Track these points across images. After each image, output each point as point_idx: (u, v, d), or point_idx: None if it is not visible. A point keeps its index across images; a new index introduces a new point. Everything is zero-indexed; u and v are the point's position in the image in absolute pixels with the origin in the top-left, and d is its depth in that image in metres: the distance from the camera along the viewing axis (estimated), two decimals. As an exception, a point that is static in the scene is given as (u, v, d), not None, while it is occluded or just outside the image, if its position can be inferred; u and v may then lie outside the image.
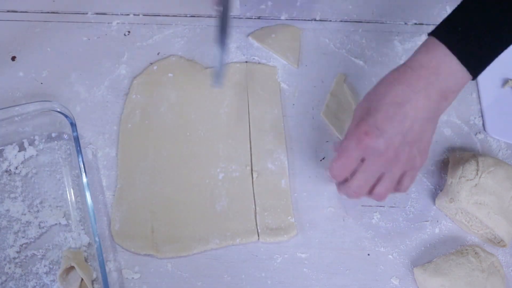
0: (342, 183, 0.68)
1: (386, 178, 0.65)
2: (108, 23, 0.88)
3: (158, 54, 0.86)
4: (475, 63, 0.62)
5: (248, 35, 0.88)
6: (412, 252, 0.74)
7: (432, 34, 0.63)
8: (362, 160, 0.64)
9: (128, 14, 0.89)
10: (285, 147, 0.79)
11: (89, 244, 0.72)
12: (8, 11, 0.88)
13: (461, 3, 0.63)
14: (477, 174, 0.72)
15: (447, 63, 0.61)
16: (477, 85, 0.85)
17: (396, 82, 0.62)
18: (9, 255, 0.71)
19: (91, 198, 0.71)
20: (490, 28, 0.61)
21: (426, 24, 0.89)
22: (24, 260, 0.71)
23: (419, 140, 0.63)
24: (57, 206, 0.74)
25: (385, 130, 0.61)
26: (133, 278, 0.71)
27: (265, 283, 0.72)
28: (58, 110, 0.75)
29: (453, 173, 0.76)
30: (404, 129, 0.61)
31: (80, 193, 0.75)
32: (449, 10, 0.90)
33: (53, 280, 0.70)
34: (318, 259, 0.73)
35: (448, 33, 0.62)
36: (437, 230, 0.76)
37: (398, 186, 0.66)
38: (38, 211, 0.74)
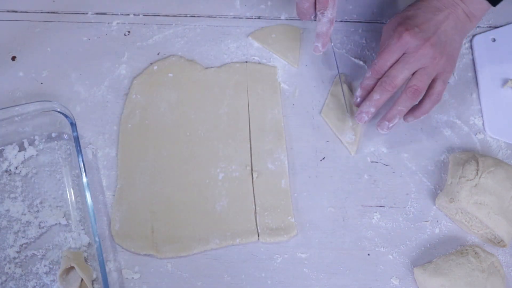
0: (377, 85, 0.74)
1: (422, 72, 0.72)
2: (108, 23, 0.88)
3: (158, 54, 0.86)
4: None
5: (248, 35, 0.88)
6: (412, 252, 0.74)
7: None
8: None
9: (128, 14, 0.89)
10: (285, 147, 0.79)
11: (89, 244, 0.72)
12: (8, 11, 0.88)
13: None
14: (477, 174, 0.72)
15: None
16: (477, 85, 0.85)
17: (429, 3, 0.72)
18: (9, 255, 0.71)
19: (91, 198, 0.71)
20: None
21: (426, 24, 0.89)
22: (24, 260, 0.71)
23: (450, 45, 0.72)
24: (57, 206, 0.74)
25: (423, 29, 0.70)
26: (133, 278, 0.71)
27: (265, 283, 0.72)
28: (58, 110, 0.75)
29: (453, 173, 0.76)
30: (439, 31, 0.71)
31: (80, 193, 0.75)
32: (449, 10, 0.90)
33: (53, 280, 0.70)
34: (318, 259, 0.73)
35: None
36: (437, 230, 0.76)
37: (431, 90, 0.74)
38: (38, 211, 0.74)
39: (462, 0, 0.72)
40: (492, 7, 0.73)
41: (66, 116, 0.75)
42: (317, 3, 0.74)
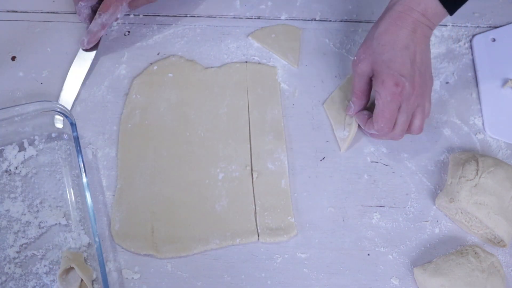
0: (384, 132, 0.74)
1: (419, 110, 0.73)
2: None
3: (158, 54, 0.86)
4: (454, 5, 0.71)
5: (248, 35, 0.88)
6: (412, 252, 0.74)
7: None
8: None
9: (128, 14, 0.89)
10: (285, 147, 0.79)
11: (89, 244, 0.72)
12: (8, 11, 0.88)
13: None
14: (477, 174, 0.72)
15: (432, 6, 0.70)
16: (477, 85, 0.85)
17: (398, 28, 0.70)
18: (9, 255, 0.71)
19: (91, 198, 0.71)
20: None
21: (426, 24, 0.89)
22: (24, 260, 0.71)
23: (426, 67, 0.73)
24: (57, 206, 0.74)
25: (407, 74, 0.70)
26: (133, 278, 0.71)
27: (265, 283, 0.72)
28: (58, 110, 0.75)
29: (453, 173, 0.76)
30: (417, 66, 0.70)
31: (80, 193, 0.75)
32: (449, 10, 0.90)
33: (53, 280, 0.70)
34: (318, 259, 0.73)
35: None
36: (437, 230, 0.76)
37: (416, 118, 0.74)
38: (38, 211, 0.74)
39: (425, 17, 0.70)
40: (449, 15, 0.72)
41: (66, 116, 0.75)
42: (101, 5, 0.80)
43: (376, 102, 0.72)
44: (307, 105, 0.83)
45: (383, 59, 0.70)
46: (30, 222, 0.73)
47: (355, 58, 0.74)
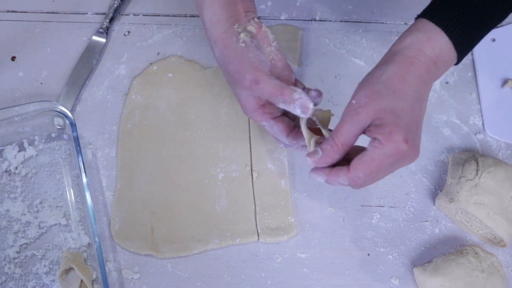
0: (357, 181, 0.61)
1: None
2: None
3: (158, 54, 0.86)
4: (466, 51, 0.63)
5: (248, 35, 0.88)
6: (412, 252, 0.74)
7: (430, 18, 0.62)
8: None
9: (128, 14, 0.89)
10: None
11: (89, 244, 0.72)
12: (8, 11, 0.88)
13: None
14: (477, 174, 0.72)
15: (446, 52, 0.61)
16: (477, 85, 0.85)
17: (411, 76, 0.60)
18: (9, 255, 0.71)
19: (91, 198, 0.71)
20: (485, 15, 0.62)
21: (426, 24, 0.89)
22: (24, 260, 0.71)
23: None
24: (57, 206, 0.74)
25: (415, 130, 0.60)
26: (133, 278, 0.71)
27: (265, 283, 0.72)
28: (58, 110, 0.75)
29: (453, 173, 0.76)
30: (421, 121, 0.62)
31: (80, 193, 0.75)
32: (449, 10, 0.90)
33: (53, 280, 0.70)
34: (318, 259, 0.73)
35: (447, 19, 0.61)
36: (437, 230, 0.76)
37: None
38: (38, 211, 0.74)
39: (436, 66, 0.61)
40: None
41: (66, 116, 0.75)
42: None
43: (369, 149, 0.59)
44: (307, 105, 0.83)
45: (393, 107, 0.58)
46: (30, 222, 0.73)
47: (354, 102, 0.60)
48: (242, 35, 0.64)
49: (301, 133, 0.65)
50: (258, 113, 0.65)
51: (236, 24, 0.65)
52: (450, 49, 0.61)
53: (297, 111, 0.62)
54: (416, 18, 0.64)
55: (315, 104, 0.63)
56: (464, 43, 0.62)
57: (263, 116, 0.65)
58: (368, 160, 0.59)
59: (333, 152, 0.60)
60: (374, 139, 0.59)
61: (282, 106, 0.63)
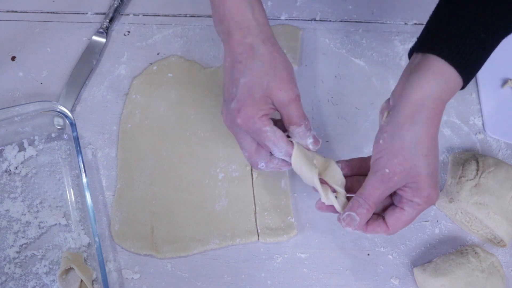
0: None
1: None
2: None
3: (158, 54, 0.86)
4: (468, 81, 0.61)
5: (248, 35, 0.88)
6: (412, 252, 0.74)
7: (444, 57, 0.58)
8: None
9: (128, 14, 0.89)
10: (285, 147, 0.79)
11: (89, 244, 0.72)
12: (8, 11, 0.88)
13: (446, 17, 0.60)
14: (477, 174, 0.72)
15: (457, 90, 0.60)
16: (477, 85, 0.85)
17: (435, 131, 0.59)
18: (9, 255, 0.71)
19: (91, 198, 0.71)
20: (493, 46, 0.60)
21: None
22: (24, 260, 0.71)
23: None
24: (57, 206, 0.74)
25: (438, 175, 0.62)
26: (133, 278, 0.71)
27: (265, 283, 0.72)
28: (58, 110, 0.75)
29: (453, 173, 0.76)
30: None
31: (80, 193, 0.75)
32: (449, 10, 0.90)
33: (53, 280, 0.70)
34: (318, 259, 0.73)
35: (461, 58, 0.58)
36: (437, 230, 0.76)
37: None
38: (38, 211, 0.74)
39: (445, 105, 0.60)
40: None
41: (66, 116, 0.75)
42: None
43: (407, 210, 0.61)
44: (307, 105, 0.83)
45: (428, 172, 0.59)
46: (30, 222, 0.73)
47: (388, 171, 0.59)
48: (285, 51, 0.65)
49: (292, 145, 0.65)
50: (266, 118, 0.64)
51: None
52: (460, 84, 0.59)
53: (309, 141, 0.65)
54: (421, 47, 0.60)
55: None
56: (471, 76, 0.60)
57: (269, 121, 0.64)
58: (407, 220, 0.62)
59: (368, 214, 0.62)
60: (412, 202, 0.61)
61: (298, 130, 0.65)
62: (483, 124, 0.82)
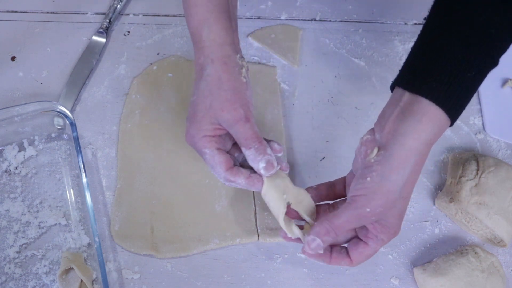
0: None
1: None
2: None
3: (158, 54, 0.86)
4: (455, 121, 0.59)
5: (248, 35, 0.88)
6: (412, 252, 0.74)
7: (435, 101, 0.56)
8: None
9: (128, 14, 0.89)
10: (285, 147, 0.79)
11: (89, 244, 0.72)
12: (8, 11, 0.88)
13: (433, 55, 0.57)
14: (477, 174, 0.72)
15: (444, 131, 0.58)
16: (477, 85, 0.85)
17: (417, 174, 0.58)
18: (9, 255, 0.71)
19: (91, 198, 0.71)
20: (478, 84, 0.58)
21: (426, 24, 0.89)
22: (24, 260, 0.71)
23: None
24: (57, 206, 0.74)
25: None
26: (133, 278, 0.71)
27: (265, 283, 0.72)
28: (58, 110, 0.75)
29: (453, 173, 0.76)
30: None
31: (80, 193, 0.75)
32: (449, 10, 0.90)
33: (53, 280, 0.70)
34: (318, 259, 0.73)
35: (450, 102, 0.56)
36: (437, 230, 0.76)
37: None
38: (38, 211, 0.74)
39: (430, 147, 0.58)
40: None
41: (66, 116, 0.75)
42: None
43: (371, 245, 0.63)
44: (307, 105, 0.83)
45: (399, 212, 0.60)
46: (30, 222, 0.73)
47: (368, 210, 0.58)
48: (243, 70, 0.63)
49: (240, 173, 0.64)
50: (207, 139, 0.63)
51: (238, 55, 0.64)
52: (448, 125, 0.58)
53: (260, 165, 0.62)
54: (408, 85, 0.58)
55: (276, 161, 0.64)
56: (459, 116, 0.58)
57: (210, 144, 0.63)
58: (370, 254, 0.63)
59: (331, 242, 0.63)
60: (378, 238, 0.62)
61: (248, 153, 0.63)
62: (483, 124, 0.82)
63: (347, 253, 0.64)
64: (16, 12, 0.88)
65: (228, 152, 0.66)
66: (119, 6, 0.88)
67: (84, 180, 0.71)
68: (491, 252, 0.72)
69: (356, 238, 0.65)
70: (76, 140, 0.74)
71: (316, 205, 0.67)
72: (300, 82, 0.85)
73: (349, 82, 0.85)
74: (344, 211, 0.60)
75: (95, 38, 0.86)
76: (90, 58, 0.84)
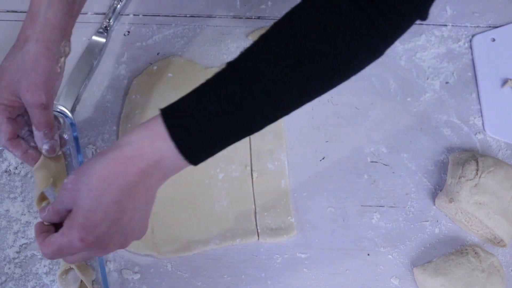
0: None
1: None
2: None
3: (158, 54, 0.86)
4: (202, 157, 0.57)
5: (248, 35, 0.88)
6: (412, 252, 0.74)
7: (166, 121, 0.58)
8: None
9: (128, 14, 0.89)
10: (285, 147, 0.79)
11: (89, 244, 0.72)
12: (8, 11, 0.88)
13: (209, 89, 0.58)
14: (477, 174, 0.72)
15: (169, 158, 0.56)
16: (477, 85, 0.85)
17: (113, 177, 0.54)
18: (9, 255, 0.71)
19: (91, 198, 0.71)
20: (221, 124, 0.56)
21: (426, 24, 0.89)
22: (24, 260, 0.71)
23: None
24: (57, 206, 0.74)
25: (106, 230, 0.55)
26: (133, 278, 0.71)
27: (265, 283, 0.72)
28: (58, 110, 0.75)
29: (453, 173, 0.76)
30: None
31: (80, 193, 0.75)
32: (449, 10, 0.89)
33: (53, 280, 0.70)
34: (318, 259, 0.73)
35: (179, 126, 0.58)
36: (437, 230, 0.76)
37: None
38: (37, 211, 0.73)
39: (159, 168, 0.56)
40: None
41: (66, 116, 0.75)
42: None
43: (55, 235, 0.56)
44: (307, 105, 0.83)
45: (89, 205, 0.54)
46: (30, 222, 0.73)
47: (66, 181, 0.55)
48: (62, 59, 0.65)
49: (20, 145, 0.66)
50: (2, 107, 0.64)
51: (64, 41, 0.65)
52: (174, 155, 0.55)
53: (44, 147, 0.66)
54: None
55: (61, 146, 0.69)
56: (195, 151, 0.56)
57: (3, 112, 0.64)
58: (52, 242, 0.55)
59: (54, 218, 0.57)
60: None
61: (38, 134, 0.65)
62: (483, 124, 0.82)
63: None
64: (16, 12, 0.88)
65: (17, 118, 0.67)
66: (119, 6, 0.88)
67: (84, 180, 0.71)
68: (491, 252, 0.72)
69: None
70: (76, 140, 0.74)
71: None
72: (300, 82, 0.85)
73: (349, 82, 0.85)
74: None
75: (95, 38, 0.86)
76: (90, 58, 0.84)
